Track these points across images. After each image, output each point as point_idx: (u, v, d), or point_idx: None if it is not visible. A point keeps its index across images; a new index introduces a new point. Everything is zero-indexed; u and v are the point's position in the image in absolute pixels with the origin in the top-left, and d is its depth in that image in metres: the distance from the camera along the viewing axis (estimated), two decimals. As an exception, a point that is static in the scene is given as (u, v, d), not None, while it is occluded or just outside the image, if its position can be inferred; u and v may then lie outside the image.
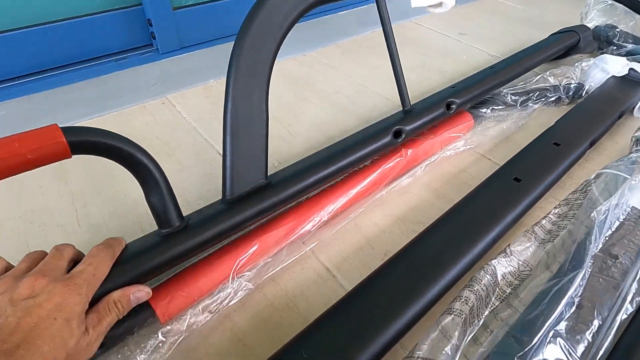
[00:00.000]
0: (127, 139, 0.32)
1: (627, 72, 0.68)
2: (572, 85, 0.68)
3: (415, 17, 1.02)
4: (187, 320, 0.37)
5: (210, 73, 0.75)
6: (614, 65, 0.69)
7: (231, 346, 0.37)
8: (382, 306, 0.35)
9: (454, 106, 0.56)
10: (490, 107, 0.64)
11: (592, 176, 0.49)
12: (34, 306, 0.26)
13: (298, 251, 0.44)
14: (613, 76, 0.69)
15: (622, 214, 0.43)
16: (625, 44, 0.80)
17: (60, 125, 0.28)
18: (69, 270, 0.30)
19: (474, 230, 0.42)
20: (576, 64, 0.71)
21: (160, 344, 0.35)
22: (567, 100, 0.69)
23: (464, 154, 0.58)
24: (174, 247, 0.35)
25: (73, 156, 0.29)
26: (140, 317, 0.35)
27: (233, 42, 0.39)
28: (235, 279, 0.39)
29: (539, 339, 0.33)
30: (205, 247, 0.38)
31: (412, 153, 0.53)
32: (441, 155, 0.56)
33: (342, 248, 0.45)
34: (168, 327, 0.36)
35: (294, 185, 0.42)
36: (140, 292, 0.33)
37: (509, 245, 0.43)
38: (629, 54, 0.78)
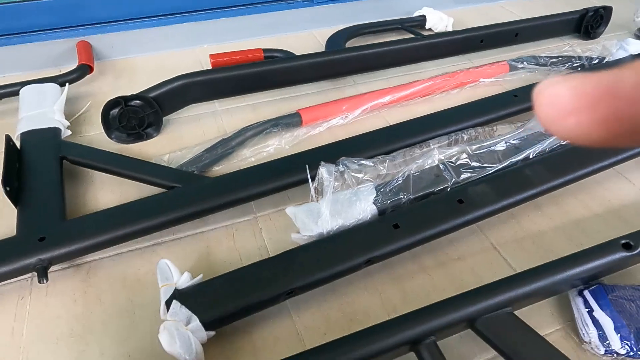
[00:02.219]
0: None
1: (640, 52, 0.92)
2: (594, 57, 0.94)
3: None
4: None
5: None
6: (634, 46, 0.94)
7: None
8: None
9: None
10: (525, 62, 0.93)
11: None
12: None
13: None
14: (631, 55, 0.93)
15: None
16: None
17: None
18: None
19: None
20: (602, 42, 0.96)
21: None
22: (588, 68, 0.95)
23: (494, 87, 0.89)
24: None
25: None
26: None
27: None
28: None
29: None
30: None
31: (462, 75, 0.86)
32: (479, 83, 0.88)
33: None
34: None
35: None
36: None
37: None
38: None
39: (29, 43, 0.90)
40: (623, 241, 0.50)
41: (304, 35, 1.08)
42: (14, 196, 0.58)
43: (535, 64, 0.93)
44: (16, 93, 0.78)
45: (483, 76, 0.88)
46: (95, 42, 0.94)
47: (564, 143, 0.68)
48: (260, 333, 0.49)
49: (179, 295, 0.46)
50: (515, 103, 0.78)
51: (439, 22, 1.07)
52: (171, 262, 0.49)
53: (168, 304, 0.45)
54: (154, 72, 0.92)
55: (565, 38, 1.09)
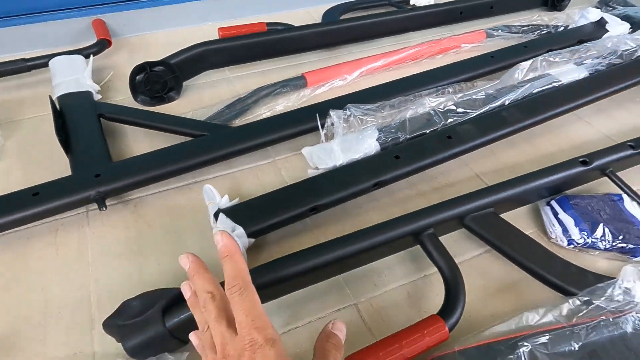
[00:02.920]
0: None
1: (599, 19, 1.05)
2: (559, 25, 1.07)
3: None
4: None
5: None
6: (593, 14, 1.06)
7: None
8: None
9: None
10: (500, 30, 1.05)
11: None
12: None
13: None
14: (590, 22, 1.06)
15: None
16: (617, 7, 1.15)
17: None
18: None
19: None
20: (566, 12, 1.09)
21: None
22: (555, 34, 1.07)
23: (473, 50, 1.00)
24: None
25: None
26: None
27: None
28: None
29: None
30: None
31: (446, 41, 0.97)
32: (461, 49, 0.99)
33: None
34: None
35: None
36: (338, 324, 0.40)
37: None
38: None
39: (48, 22, 0.97)
40: (581, 159, 0.62)
41: (301, 13, 1.17)
42: (65, 145, 0.66)
43: (509, 32, 1.05)
44: (44, 65, 0.86)
45: (464, 42, 0.99)
46: (109, 20, 1.02)
47: (534, 92, 0.80)
48: (288, 244, 0.59)
49: (223, 211, 0.56)
50: (492, 63, 0.90)
51: (422, -2, 1.18)
52: (213, 187, 0.59)
53: (216, 216, 0.55)
54: (166, 47, 0.99)
55: (535, 10, 1.21)
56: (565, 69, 0.86)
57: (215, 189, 0.59)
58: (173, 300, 0.44)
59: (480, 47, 1.02)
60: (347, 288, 0.54)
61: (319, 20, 1.11)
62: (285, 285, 0.49)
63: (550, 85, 0.81)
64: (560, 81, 0.82)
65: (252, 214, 0.57)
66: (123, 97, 0.84)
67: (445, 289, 0.49)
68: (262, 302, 0.49)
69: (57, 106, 0.74)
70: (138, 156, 0.67)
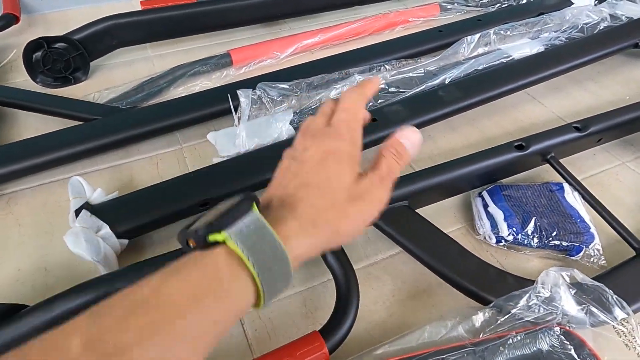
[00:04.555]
0: None
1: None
2: (520, -3, 0.98)
3: None
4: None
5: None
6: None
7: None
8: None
9: None
10: (455, 3, 0.96)
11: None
12: (304, 160, 0.30)
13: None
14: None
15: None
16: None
17: None
18: None
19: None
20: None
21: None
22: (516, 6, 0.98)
23: (424, 25, 0.91)
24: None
25: None
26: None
27: None
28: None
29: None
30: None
31: (393, 15, 0.88)
32: (410, 24, 0.90)
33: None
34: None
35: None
36: (408, 132, 0.33)
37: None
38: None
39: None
40: (517, 143, 0.54)
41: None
42: None
43: (465, 5, 0.96)
44: (-64, 42, 0.76)
45: (413, 16, 0.90)
46: (23, -7, 0.92)
47: (479, 68, 0.71)
48: (176, 244, 0.51)
49: (90, 208, 0.48)
50: (440, 37, 0.81)
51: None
52: (83, 179, 0.50)
53: (77, 213, 0.46)
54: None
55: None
56: (518, 44, 0.77)
57: (86, 182, 0.50)
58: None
59: (433, 21, 0.93)
60: (234, 296, 0.47)
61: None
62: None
63: (499, 62, 0.72)
64: (511, 57, 0.74)
65: (128, 211, 0.49)
66: (25, 78, 0.75)
67: (337, 299, 0.41)
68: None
69: None
70: (12, 143, 0.58)
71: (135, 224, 0.48)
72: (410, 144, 0.34)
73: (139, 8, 0.95)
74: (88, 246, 0.43)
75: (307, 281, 0.48)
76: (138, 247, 0.50)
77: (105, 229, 0.46)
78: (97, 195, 0.50)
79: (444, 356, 0.36)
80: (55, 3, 0.95)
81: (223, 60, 0.77)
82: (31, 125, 0.67)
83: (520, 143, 0.54)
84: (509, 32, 0.78)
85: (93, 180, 0.58)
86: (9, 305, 0.38)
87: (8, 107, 0.67)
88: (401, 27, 0.90)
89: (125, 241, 0.48)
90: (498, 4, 0.97)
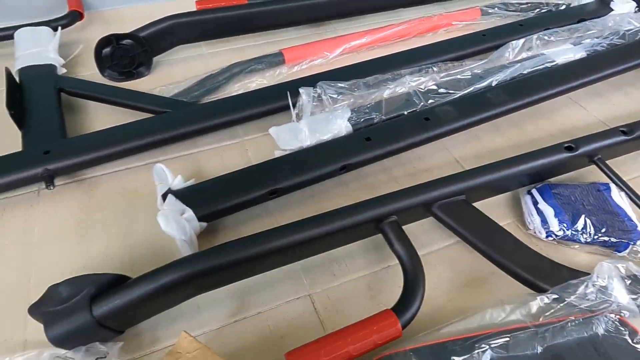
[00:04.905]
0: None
1: (603, -2, 0.98)
2: (560, 3, 1.00)
3: None
4: None
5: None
6: (596, -7, 0.99)
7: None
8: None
9: None
10: (496, 8, 0.98)
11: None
12: None
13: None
14: (594, 0, 0.99)
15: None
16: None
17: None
18: None
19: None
20: (568, -11, 1.02)
21: None
22: (555, 12, 1.00)
23: (466, 29, 0.94)
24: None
25: None
26: None
27: None
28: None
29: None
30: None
31: (436, 18, 0.92)
32: (452, 27, 0.93)
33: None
34: None
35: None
36: None
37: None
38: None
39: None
40: (567, 144, 0.57)
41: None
42: (18, 120, 0.63)
43: (506, 10, 0.99)
44: (10, 37, 0.82)
45: (456, 19, 0.93)
46: (84, -8, 0.97)
47: (524, 72, 0.74)
48: (246, 229, 0.56)
49: (173, 192, 0.52)
50: (483, 41, 0.84)
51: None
52: (165, 166, 0.55)
53: (164, 197, 0.51)
54: (142, 22, 0.96)
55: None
56: (561, 49, 0.80)
57: (168, 169, 0.55)
58: (103, 287, 0.41)
59: (474, 25, 0.96)
60: (303, 277, 0.51)
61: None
62: (235, 272, 0.46)
63: (543, 66, 0.75)
64: (554, 61, 0.77)
65: (206, 197, 0.53)
66: (91, 72, 0.80)
67: (404, 282, 0.45)
68: (210, 289, 0.46)
69: (17, 79, 0.70)
70: (92, 133, 0.63)
71: (213, 209, 0.52)
72: None
73: (191, 7, 1.00)
74: (177, 227, 0.48)
75: (370, 267, 0.52)
76: (212, 230, 0.55)
77: (189, 212, 0.50)
78: (177, 182, 0.54)
79: (509, 335, 0.39)
80: (112, 1, 1.00)
81: (276, 59, 0.82)
82: (100, 116, 0.71)
83: (569, 145, 0.57)
84: (552, 38, 0.81)
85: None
86: (117, 276, 0.42)
87: (80, 99, 0.72)
88: (444, 30, 0.93)
89: (205, 224, 0.52)
90: (537, 10, 1.00)
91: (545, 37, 0.81)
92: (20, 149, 0.60)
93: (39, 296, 0.47)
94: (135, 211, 0.58)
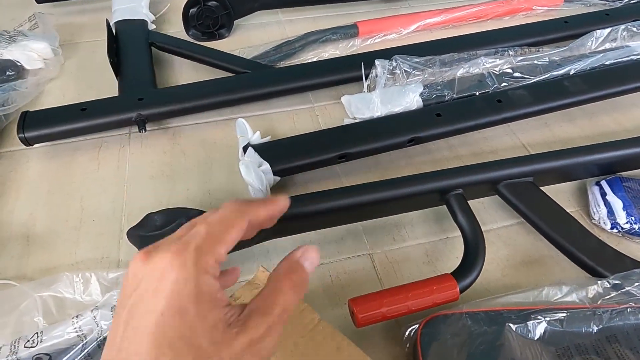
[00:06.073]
0: None
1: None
2: (653, -6, 0.94)
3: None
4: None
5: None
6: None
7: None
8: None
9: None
10: (581, -5, 0.94)
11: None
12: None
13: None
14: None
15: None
16: None
17: None
18: None
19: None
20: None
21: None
22: (646, 4, 0.95)
23: (546, 14, 0.91)
24: None
25: None
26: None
27: None
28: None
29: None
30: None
31: (516, 1, 0.89)
32: (532, 12, 0.91)
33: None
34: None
35: None
36: (311, 252, 0.29)
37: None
38: None
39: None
40: (645, 138, 0.56)
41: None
42: (115, 67, 0.69)
43: (592, -3, 0.94)
44: (108, -9, 0.88)
45: (537, 4, 0.91)
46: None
47: (606, 63, 0.72)
48: (314, 187, 0.59)
49: (253, 146, 0.56)
50: (565, 28, 0.82)
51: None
52: (246, 121, 0.59)
53: (245, 149, 0.55)
54: None
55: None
56: (650, 43, 0.76)
57: (248, 124, 0.59)
58: (191, 218, 0.46)
59: (556, 12, 0.93)
60: (364, 237, 0.54)
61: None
62: (304, 223, 0.50)
63: (628, 58, 0.73)
64: (640, 55, 0.74)
65: (281, 153, 0.57)
66: (176, 30, 0.86)
67: (465, 250, 0.47)
68: (280, 236, 0.50)
69: (113, 31, 0.76)
70: (180, 85, 0.68)
71: (286, 165, 0.56)
72: (312, 268, 0.28)
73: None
74: (255, 176, 0.52)
75: (428, 237, 0.54)
76: (283, 185, 0.59)
77: (266, 165, 0.54)
78: (255, 137, 0.58)
79: (566, 312, 0.41)
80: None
81: (351, 31, 0.83)
82: (184, 71, 0.77)
83: (648, 139, 0.56)
84: (639, 30, 0.78)
85: (241, 125, 0.68)
86: (203, 212, 0.47)
87: (168, 53, 0.78)
88: (522, 14, 0.91)
89: (278, 178, 0.56)
90: (626, 0, 0.95)
91: (634, 29, 0.77)
92: (117, 94, 0.66)
93: (130, 224, 0.53)
94: (213, 160, 0.63)
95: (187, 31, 0.83)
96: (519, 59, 0.71)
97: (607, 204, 0.54)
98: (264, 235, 0.48)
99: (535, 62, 0.71)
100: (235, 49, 0.81)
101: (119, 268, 0.50)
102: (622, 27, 0.77)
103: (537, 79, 0.69)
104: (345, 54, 0.81)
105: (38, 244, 0.53)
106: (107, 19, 0.74)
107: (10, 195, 0.57)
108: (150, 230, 0.46)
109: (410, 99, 0.64)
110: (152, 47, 0.76)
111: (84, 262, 0.51)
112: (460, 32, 0.85)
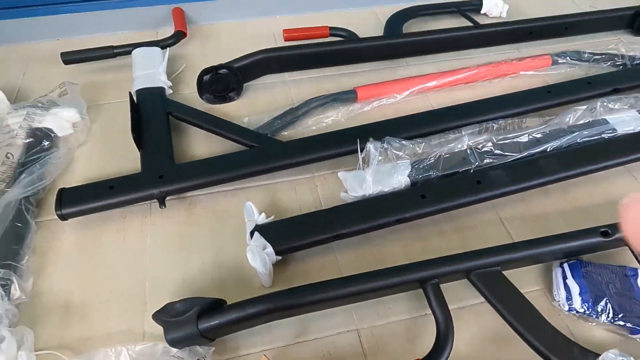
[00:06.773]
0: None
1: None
2: (637, 56, 1.00)
3: None
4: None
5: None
6: (679, 50, 0.98)
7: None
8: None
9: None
10: (568, 57, 1.00)
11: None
12: None
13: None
14: (675, 58, 0.98)
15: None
16: None
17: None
18: None
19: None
20: (650, 43, 1.01)
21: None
22: (630, 66, 1.01)
23: (534, 78, 0.98)
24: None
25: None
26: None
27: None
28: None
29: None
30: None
31: (505, 67, 0.96)
32: (521, 74, 0.98)
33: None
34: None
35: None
36: None
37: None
38: None
39: (134, 7, 1.07)
40: (603, 229, 0.63)
41: (366, 13, 1.18)
42: (138, 141, 0.77)
43: (578, 60, 1.01)
44: (128, 52, 0.96)
45: (524, 69, 0.97)
46: (187, 8, 1.10)
47: (580, 141, 0.79)
48: (311, 263, 0.68)
49: (258, 228, 0.65)
50: (547, 98, 0.88)
51: (494, 8, 1.14)
52: (252, 204, 0.68)
53: (252, 234, 0.64)
54: (235, 38, 1.09)
55: (618, 33, 1.13)
56: (626, 118, 0.83)
57: (254, 206, 0.67)
58: (207, 307, 0.55)
59: (543, 75, 0.99)
60: (354, 313, 0.62)
61: (383, 20, 1.12)
62: (303, 308, 0.58)
63: (600, 137, 0.79)
64: (614, 131, 0.80)
65: (282, 234, 0.65)
66: (191, 90, 0.94)
67: (436, 338, 0.55)
68: (282, 318, 0.59)
69: (135, 100, 0.84)
70: (196, 161, 0.77)
71: (288, 245, 0.65)
72: None
73: (274, 26, 1.11)
74: (260, 261, 0.60)
75: (410, 312, 0.63)
76: (285, 260, 0.67)
77: (269, 248, 0.63)
78: (261, 218, 0.67)
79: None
80: (210, 16, 1.13)
81: (350, 96, 0.91)
82: (199, 138, 0.85)
83: (605, 230, 0.63)
84: (616, 106, 0.84)
85: (248, 195, 0.76)
86: (216, 300, 0.56)
87: (183, 123, 0.86)
88: (511, 76, 0.98)
89: (279, 257, 0.65)
90: (611, 61, 1.01)
91: (610, 105, 0.84)
92: (139, 168, 0.75)
93: (151, 297, 0.62)
94: (224, 230, 0.71)
95: (200, 96, 0.91)
96: (500, 137, 0.78)
97: (566, 287, 0.62)
98: (268, 319, 0.57)
99: (516, 139, 0.78)
100: (243, 111, 0.90)
101: (144, 340, 0.59)
102: (599, 103, 0.84)
103: (516, 157, 0.76)
104: (345, 119, 0.89)
105: (75, 313, 0.62)
106: (130, 92, 0.82)
107: (49, 267, 0.67)
108: (172, 317, 0.55)
109: (399, 180, 0.71)
110: (170, 116, 0.84)
111: (115, 334, 0.60)
112: (452, 95, 0.93)
